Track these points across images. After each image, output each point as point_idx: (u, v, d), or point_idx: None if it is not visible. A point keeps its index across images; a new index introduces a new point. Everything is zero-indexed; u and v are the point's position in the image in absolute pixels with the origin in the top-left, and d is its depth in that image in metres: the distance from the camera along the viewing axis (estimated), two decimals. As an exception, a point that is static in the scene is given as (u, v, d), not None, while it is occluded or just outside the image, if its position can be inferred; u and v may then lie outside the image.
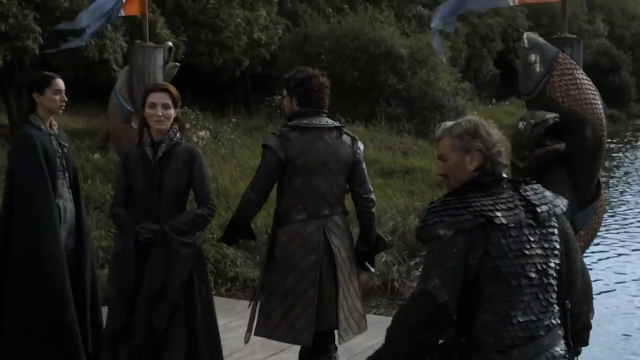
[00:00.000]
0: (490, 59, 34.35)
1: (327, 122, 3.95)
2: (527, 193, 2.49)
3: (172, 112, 3.80)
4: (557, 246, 2.46)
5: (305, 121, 3.88)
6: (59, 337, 4.13)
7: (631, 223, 12.72)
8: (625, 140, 28.17)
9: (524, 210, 2.43)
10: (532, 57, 4.10)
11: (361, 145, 4.04)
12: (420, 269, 2.68)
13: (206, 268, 4.09)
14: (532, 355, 2.35)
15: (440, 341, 2.46)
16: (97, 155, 12.50)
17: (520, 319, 2.35)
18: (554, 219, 2.48)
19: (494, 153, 2.48)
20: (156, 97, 3.78)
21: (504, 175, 2.54)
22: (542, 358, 2.36)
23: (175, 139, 3.82)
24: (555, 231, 2.47)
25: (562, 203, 2.54)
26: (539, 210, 2.44)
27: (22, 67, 15.10)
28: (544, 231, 2.44)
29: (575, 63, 4.09)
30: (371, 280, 8.05)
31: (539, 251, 2.41)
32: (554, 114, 3.95)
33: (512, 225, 2.38)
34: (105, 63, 13.80)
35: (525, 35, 4.24)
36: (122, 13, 5.59)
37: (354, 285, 4.02)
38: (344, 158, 3.92)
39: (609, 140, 23.71)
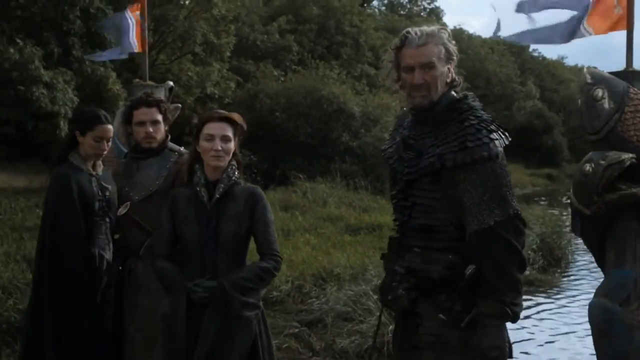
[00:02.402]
0: (430, 119, 34.75)
1: None
2: None
3: (232, 145, 3.23)
4: None
5: None
6: None
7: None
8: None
9: None
10: (599, 92, 3.70)
11: None
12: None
13: (270, 335, 3.38)
14: None
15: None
16: (48, 213, 11.65)
17: None
18: None
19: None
20: (214, 128, 3.19)
21: None
22: None
23: (234, 178, 3.24)
24: None
25: None
26: None
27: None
28: None
29: (648, 98, 3.72)
30: (365, 341, 7.49)
31: None
32: (630, 155, 3.52)
33: None
34: (55, 116, 13.10)
35: (585, 70, 3.88)
36: (135, 49, 5.15)
37: None
38: None
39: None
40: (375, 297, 8.23)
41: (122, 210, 3.72)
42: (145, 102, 3.78)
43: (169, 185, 3.68)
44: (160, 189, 3.71)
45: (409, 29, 2.86)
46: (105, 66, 15.12)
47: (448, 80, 2.82)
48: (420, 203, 2.80)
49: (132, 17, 5.29)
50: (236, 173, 3.25)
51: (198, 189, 3.20)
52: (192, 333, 3.02)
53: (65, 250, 3.85)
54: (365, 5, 38.15)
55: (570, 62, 64.06)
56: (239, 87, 20.72)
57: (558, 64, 60.29)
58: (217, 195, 3.17)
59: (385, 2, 52.18)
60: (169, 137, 3.93)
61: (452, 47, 2.84)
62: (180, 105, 4.96)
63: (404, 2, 54.21)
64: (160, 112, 3.77)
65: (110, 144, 3.95)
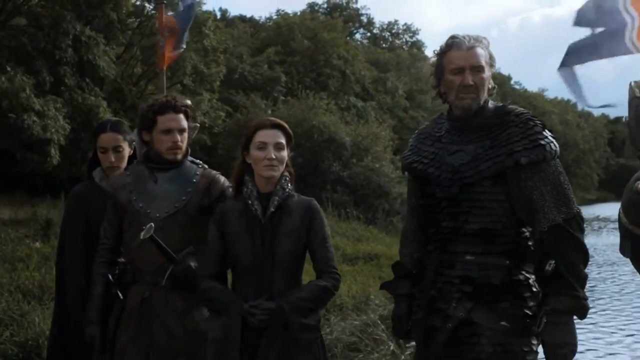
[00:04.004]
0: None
1: None
2: None
3: (285, 154, 2.97)
4: None
5: None
6: None
7: None
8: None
9: None
10: (649, 105, 3.61)
11: None
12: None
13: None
14: None
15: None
16: (38, 244, 11.37)
17: None
18: None
19: None
20: (267, 136, 2.93)
21: None
22: None
23: (287, 190, 2.98)
24: None
25: None
26: None
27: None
28: None
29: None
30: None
31: None
32: None
33: None
34: (47, 143, 12.90)
35: (633, 83, 3.77)
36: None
37: None
38: None
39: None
40: (383, 326, 8.07)
41: (145, 234, 3.12)
42: (173, 106, 3.28)
43: (197, 203, 3.26)
44: (187, 207, 3.25)
45: (455, 34, 2.84)
46: (95, 95, 14.99)
47: (490, 86, 2.86)
48: (481, 206, 2.74)
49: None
50: (289, 185, 3.02)
51: (250, 202, 2.93)
52: (246, 358, 2.79)
53: (67, 272, 3.71)
54: (348, 38, 38.43)
55: (550, 94, 65.06)
56: (229, 117, 20.62)
57: (539, 96, 61.18)
58: (272, 209, 2.92)
59: (368, 35, 52.70)
60: (189, 150, 3.49)
61: (493, 54, 2.88)
62: (198, 124, 4.78)
63: (386, 36, 54.78)
64: (187, 119, 3.35)
65: (124, 154, 3.66)
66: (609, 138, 68.13)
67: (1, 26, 14.70)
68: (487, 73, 2.80)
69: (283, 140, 2.97)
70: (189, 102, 4.59)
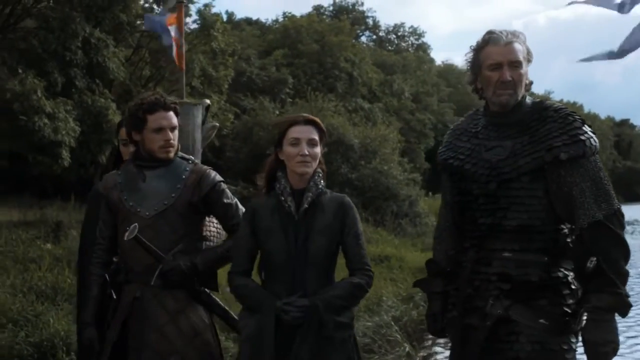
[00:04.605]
0: (422, 153, 34.93)
1: None
2: None
3: (319, 150, 2.93)
4: None
5: None
6: None
7: None
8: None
9: None
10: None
11: None
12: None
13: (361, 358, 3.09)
14: None
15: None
16: (49, 246, 11.37)
17: None
18: None
19: None
20: (300, 132, 2.90)
21: None
22: None
23: (320, 187, 2.94)
24: None
25: None
26: None
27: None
28: None
29: None
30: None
31: None
32: None
33: None
34: (58, 145, 12.91)
35: None
36: (173, 54, 5.01)
37: None
38: None
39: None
40: (396, 327, 8.04)
41: (129, 235, 3.07)
42: (163, 104, 3.19)
43: (187, 199, 3.19)
44: (177, 204, 3.18)
45: (492, 29, 2.82)
46: (105, 97, 15.00)
47: (527, 82, 2.83)
48: (519, 203, 2.72)
49: (171, 33, 5.12)
50: (322, 181, 2.98)
51: (283, 198, 2.90)
52: (279, 356, 2.75)
53: (80, 271, 3.73)
54: (354, 40, 38.46)
55: (556, 96, 64.93)
56: (237, 119, 20.63)
57: (545, 98, 60.78)
58: (305, 205, 2.89)
59: (374, 37, 52.72)
60: (179, 146, 3.40)
61: (530, 49, 2.85)
62: (217, 124, 4.77)
63: (392, 38, 54.79)
64: (177, 116, 3.27)
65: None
66: (615, 140, 67.99)
67: (11, 29, 14.73)
68: (524, 68, 2.77)
69: (316, 137, 2.93)
70: (208, 101, 4.59)
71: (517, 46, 2.76)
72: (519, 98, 2.79)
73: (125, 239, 3.09)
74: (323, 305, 2.79)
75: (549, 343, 2.65)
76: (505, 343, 2.69)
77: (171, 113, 3.23)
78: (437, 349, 8.32)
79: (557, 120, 2.72)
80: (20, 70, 12.75)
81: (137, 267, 3.19)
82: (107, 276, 3.31)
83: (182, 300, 3.16)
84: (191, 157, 3.41)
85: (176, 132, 3.26)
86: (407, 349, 7.36)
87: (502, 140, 2.79)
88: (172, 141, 3.22)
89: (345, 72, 28.42)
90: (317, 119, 3.00)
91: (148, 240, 3.11)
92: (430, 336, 8.88)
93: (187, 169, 3.28)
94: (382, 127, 21.48)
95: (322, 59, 27.57)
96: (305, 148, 2.88)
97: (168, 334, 3.11)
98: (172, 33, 5.12)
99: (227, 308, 3.32)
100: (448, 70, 49.68)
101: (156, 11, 18.43)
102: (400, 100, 34.87)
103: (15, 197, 20.24)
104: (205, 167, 3.35)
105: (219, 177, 3.29)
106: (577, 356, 2.76)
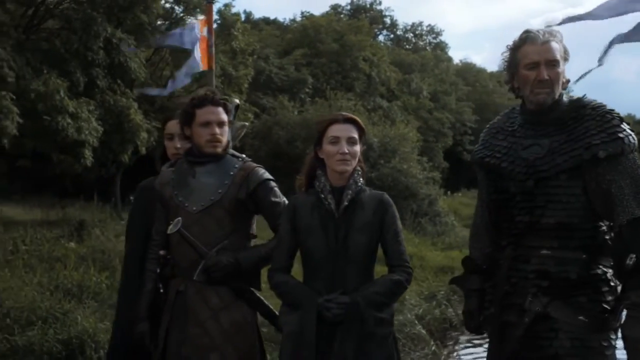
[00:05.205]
0: (441, 152, 34.81)
1: None
2: None
3: (358, 149, 2.98)
4: None
5: None
6: None
7: None
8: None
9: None
10: None
11: None
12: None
13: (400, 356, 3.10)
14: None
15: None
16: (73, 244, 11.48)
17: None
18: None
19: None
20: (340, 130, 2.94)
21: None
22: None
23: (360, 184, 2.99)
24: None
25: None
26: None
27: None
28: None
29: None
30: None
31: None
32: None
33: None
34: (81, 145, 13.02)
35: None
36: (201, 68, 5.10)
37: None
38: None
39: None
40: (420, 326, 8.04)
41: (172, 229, 3.14)
42: (211, 100, 3.29)
43: (234, 196, 3.24)
44: (223, 199, 3.22)
45: (529, 28, 2.84)
46: (127, 97, 15.10)
47: (564, 80, 2.85)
48: (557, 200, 2.74)
49: (196, 34, 5.19)
50: (361, 179, 3.02)
51: (323, 195, 2.95)
52: (319, 353, 2.79)
53: (126, 267, 3.79)
54: (372, 40, 38.43)
55: (575, 94, 64.35)
56: (257, 118, 20.69)
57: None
58: (346, 203, 2.93)
59: (391, 36, 52.62)
60: (230, 144, 3.50)
61: (567, 47, 2.86)
62: (247, 124, 4.80)
63: (410, 37, 54.66)
64: (227, 113, 3.34)
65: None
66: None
67: (35, 29, 14.87)
68: (561, 67, 2.79)
69: (356, 135, 2.97)
70: (237, 101, 4.61)
71: (555, 45, 2.77)
72: (556, 97, 2.80)
73: (169, 232, 3.15)
74: (364, 302, 2.82)
75: (589, 340, 2.66)
76: (544, 340, 2.70)
77: (220, 109, 3.29)
78: (461, 346, 8.32)
79: (595, 118, 2.73)
80: (45, 71, 12.87)
81: (183, 262, 3.23)
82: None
83: (225, 297, 3.19)
84: (242, 155, 3.44)
85: (225, 128, 3.31)
86: (432, 347, 7.36)
87: (539, 138, 2.81)
88: (218, 136, 3.26)
89: (364, 71, 28.40)
90: (357, 118, 3.02)
91: (194, 235, 3.15)
92: (453, 334, 8.91)
93: (237, 165, 3.32)
94: (401, 126, 21.43)
95: (342, 58, 27.57)
96: (345, 146, 2.92)
97: (209, 329, 3.14)
98: (204, 33, 5.18)
99: (271, 307, 3.32)
100: (466, 68, 49.42)
101: (177, 12, 18.57)
102: (418, 99, 34.78)
103: (36, 196, 20.48)
104: (255, 164, 3.38)
105: (267, 175, 3.32)
106: (617, 353, 2.75)
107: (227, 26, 18.50)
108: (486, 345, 7.57)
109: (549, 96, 2.78)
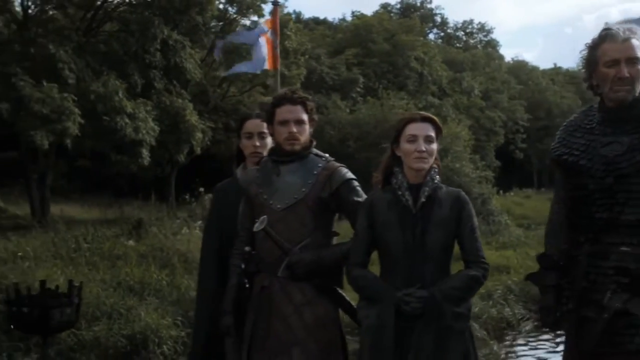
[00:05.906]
0: (492, 151, 34.44)
1: None
2: None
3: (435, 147, 3.00)
4: None
5: None
6: None
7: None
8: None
9: None
10: None
11: None
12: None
13: (477, 352, 3.11)
14: None
15: None
16: (132, 242, 11.72)
17: None
18: None
19: None
20: (418, 129, 2.97)
21: None
22: None
23: (436, 181, 3.01)
24: None
25: None
26: None
27: (35, 158, 14.58)
28: None
29: None
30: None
31: None
32: None
33: None
34: (138, 144, 13.31)
35: None
36: (266, 66, 5.15)
37: None
38: None
39: None
40: (476, 326, 7.97)
41: (258, 226, 3.20)
42: (289, 99, 3.32)
43: (317, 195, 3.26)
44: (307, 198, 3.25)
45: (608, 26, 2.81)
46: (182, 97, 15.36)
47: None
48: (637, 197, 2.72)
49: (263, 30, 5.25)
50: (437, 176, 3.03)
51: (400, 192, 2.97)
52: (400, 347, 2.81)
53: (201, 267, 3.86)
54: (422, 39, 38.26)
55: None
56: (308, 118, 20.82)
57: None
58: (423, 199, 2.95)
59: (442, 35, 52.25)
60: (314, 143, 3.47)
61: None
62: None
63: (460, 35, 54.19)
64: (306, 111, 3.33)
65: (267, 142, 3.64)
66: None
67: (94, 32, 15.23)
68: None
69: (433, 133, 2.99)
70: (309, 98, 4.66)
71: (635, 42, 2.75)
72: (636, 94, 2.77)
73: (255, 230, 3.20)
74: (441, 296, 2.84)
75: None
76: (624, 336, 2.68)
77: (298, 107, 3.29)
78: (518, 347, 8.22)
79: None
80: (104, 71, 13.20)
81: (268, 258, 3.27)
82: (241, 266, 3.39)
83: (308, 293, 3.22)
84: (326, 154, 3.45)
85: (304, 126, 3.30)
86: (494, 347, 7.29)
87: (619, 136, 2.79)
88: (296, 134, 3.27)
89: (415, 70, 28.27)
90: (434, 117, 3.04)
91: (278, 232, 3.20)
92: (511, 333, 8.81)
93: (320, 165, 3.34)
94: (452, 125, 21.27)
95: (393, 58, 27.49)
96: (422, 144, 2.94)
97: (292, 324, 3.18)
98: (269, 35, 5.24)
99: (352, 303, 3.32)
100: (518, 66, 48.77)
101: (230, 12, 18.78)
102: (469, 97, 34.48)
103: (94, 195, 20.99)
104: (338, 164, 3.39)
105: (350, 175, 3.34)
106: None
107: (280, 26, 18.63)
108: (543, 346, 7.45)
109: (629, 94, 2.75)
